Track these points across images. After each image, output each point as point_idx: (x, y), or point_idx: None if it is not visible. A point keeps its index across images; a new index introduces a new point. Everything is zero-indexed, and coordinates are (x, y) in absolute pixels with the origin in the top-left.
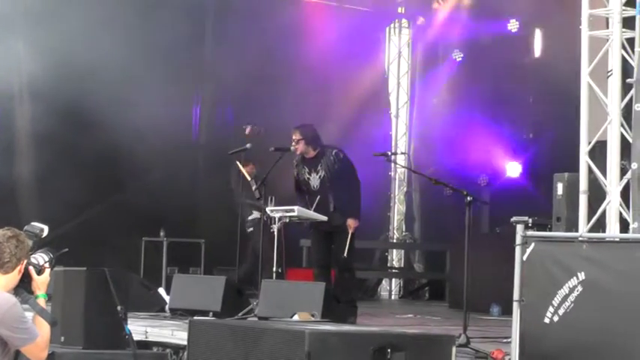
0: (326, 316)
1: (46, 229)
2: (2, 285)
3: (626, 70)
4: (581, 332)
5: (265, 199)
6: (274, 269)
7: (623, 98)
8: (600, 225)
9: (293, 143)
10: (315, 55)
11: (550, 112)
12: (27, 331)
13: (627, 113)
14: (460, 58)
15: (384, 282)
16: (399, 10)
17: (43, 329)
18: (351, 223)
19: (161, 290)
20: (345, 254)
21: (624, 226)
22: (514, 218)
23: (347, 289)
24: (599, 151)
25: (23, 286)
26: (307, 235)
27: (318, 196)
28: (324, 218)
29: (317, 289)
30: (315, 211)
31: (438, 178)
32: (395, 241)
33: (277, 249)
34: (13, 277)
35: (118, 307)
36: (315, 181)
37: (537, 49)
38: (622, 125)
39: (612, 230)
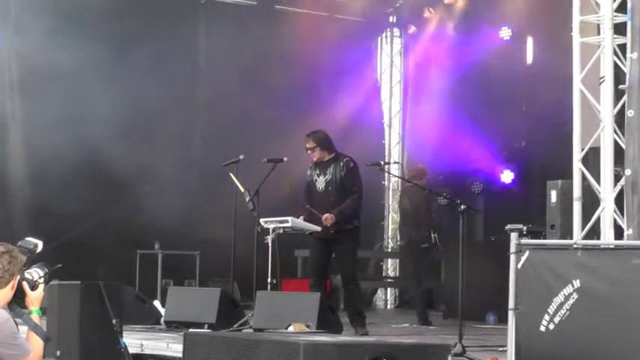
0: (321, 327)
1: (40, 244)
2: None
3: (619, 76)
4: (577, 340)
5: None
6: (269, 280)
7: (615, 104)
8: (595, 232)
9: (308, 152)
10: (307, 66)
11: (543, 119)
12: (19, 348)
13: (620, 119)
14: (452, 67)
15: (379, 291)
16: (391, 19)
17: (36, 345)
18: (327, 217)
19: (156, 303)
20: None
21: (619, 232)
22: (508, 226)
23: (354, 302)
24: (592, 158)
25: (17, 302)
26: (303, 244)
27: (322, 200)
28: (318, 229)
29: (312, 300)
30: (316, 212)
31: (432, 187)
32: (389, 250)
33: (272, 260)
34: (6, 292)
35: (113, 321)
36: (321, 183)
37: (529, 57)
38: (615, 131)
39: (607, 237)
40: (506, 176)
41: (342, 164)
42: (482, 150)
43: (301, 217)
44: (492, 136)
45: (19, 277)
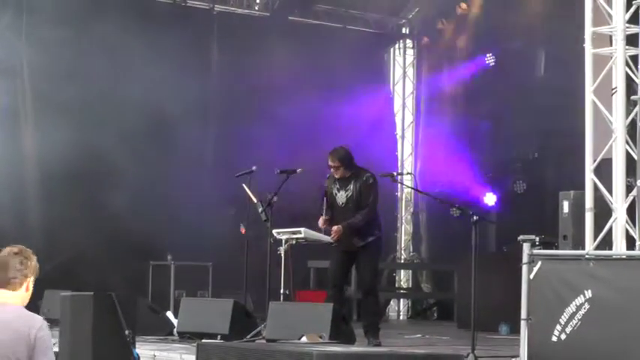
0: (334, 338)
1: None
2: (17, 303)
3: (631, 87)
4: (589, 350)
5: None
6: (281, 291)
7: (627, 115)
8: (607, 242)
9: (331, 170)
10: (320, 77)
11: (555, 130)
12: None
13: (632, 130)
14: (465, 78)
15: (392, 302)
16: (404, 30)
17: None
18: (336, 230)
19: (169, 314)
20: (369, 277)
21: (631, 243)
22: (521, 237)
23: (371, 312)
24: (604, 169)
25: None
26: (316, 255)
27: (342, 214)
28: (330, 240)
29: (325, 311)
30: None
31: (445, 198)
32: (402, 261)
33: (284, 270)
34: (21, 294)
35: (126, 332)
36: (341, 198)
37: (542, 68)
38: (627, 142)
39: (619, 247)
40: (519, 187)
41: (363, 180)
42: (494, 161)
43: (321, 220)
44: (505, 147)
45: (32, 278)
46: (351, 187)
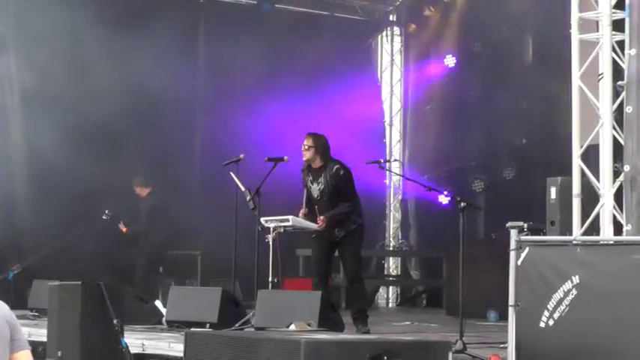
0: (323, 325)
1: None
2: None
3: (617, 72)
4: (577, 335)
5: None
6: (270, 279)
7: (614, 101)
8: (594, 228)
9: (303, 148)
10: (307, 64)
11: (544, 116)
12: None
13: (619, 116)
14: (453, 65)
15: (381, 290)
16: (391, 17)
17: None
18: (321, 220)
19: (158, 303)
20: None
21: (618, 228)
22: (509, 223)
23: (358, 300)
24: (592, 155)
25: None
26: (305, 243)
27: (318, 207)
28: (316, 226)
29: (313, 299)
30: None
31: (433, 185)
32: (391, 248)
33: (273, 259)
34: None
35: (115, 321)
36: (315, 191)
37: (530, 54)
38: (614, 128)
39: (606, 233)
40: (508, 172)
41: (332, 172)
42: (483, 147)
43: (301, 213)
44: (493, 134)
45: None
46: (322, 179)
